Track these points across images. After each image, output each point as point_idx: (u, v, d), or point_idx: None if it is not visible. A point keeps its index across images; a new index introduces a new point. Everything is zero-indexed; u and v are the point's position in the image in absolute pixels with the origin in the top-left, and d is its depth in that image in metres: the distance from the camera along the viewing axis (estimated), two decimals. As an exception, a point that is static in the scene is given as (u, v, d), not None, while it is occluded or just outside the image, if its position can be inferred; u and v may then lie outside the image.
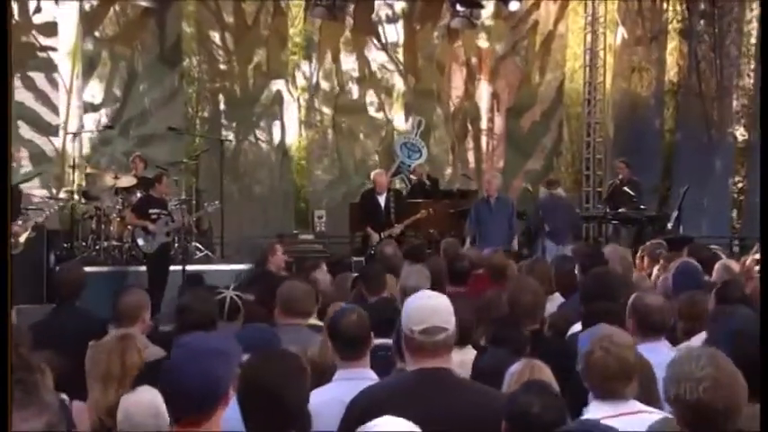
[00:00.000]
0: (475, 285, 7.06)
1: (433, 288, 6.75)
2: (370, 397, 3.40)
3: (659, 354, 4.23)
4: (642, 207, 13.62)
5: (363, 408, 3.35)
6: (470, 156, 17.28)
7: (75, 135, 13.87)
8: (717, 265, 7.02)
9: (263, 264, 8.20)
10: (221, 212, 13.00)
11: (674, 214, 13.46)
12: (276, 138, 16.07)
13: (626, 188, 13.29)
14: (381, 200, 11.80)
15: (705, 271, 6.84)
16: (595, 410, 3.51)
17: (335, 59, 16.40)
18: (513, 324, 4.65)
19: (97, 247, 12.33)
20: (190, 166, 14.20)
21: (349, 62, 16.51)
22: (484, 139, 17.52)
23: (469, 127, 17.26)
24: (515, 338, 4.38)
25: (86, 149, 14.72)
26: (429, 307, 3.36)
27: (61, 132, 14.51)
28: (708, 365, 2.64)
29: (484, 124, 17.46)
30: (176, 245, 12.26)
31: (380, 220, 11.67)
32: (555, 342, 4.81)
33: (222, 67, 15.79)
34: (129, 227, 12.01)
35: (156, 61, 15.21)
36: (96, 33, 14.95)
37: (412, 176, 14.87)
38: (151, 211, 11.37)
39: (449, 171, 16.82)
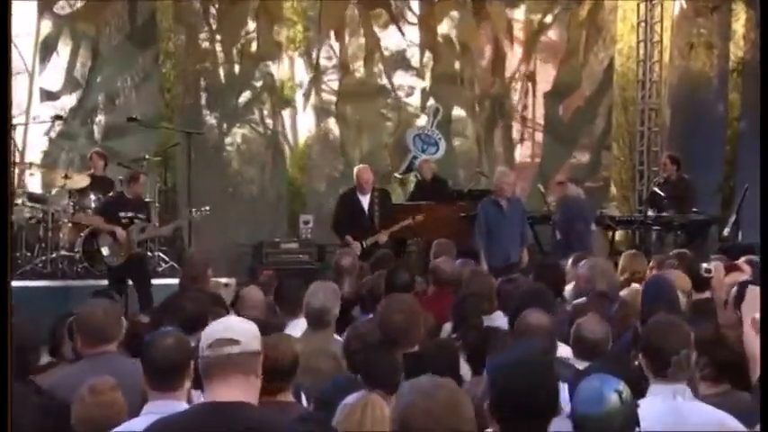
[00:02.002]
0: (428, 303, 7.02)
1: (368, 305, 6.80)
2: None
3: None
4: (695, 210, 13.41)
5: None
6: (500, 149, 17.15)
7: (14, 127, 13.98)
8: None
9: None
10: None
11: (732, 218, 13.23)
12: (267, 129, 16.13)
13: (656, 189, 13.10)
14: (364, 201, 11.58)
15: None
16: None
17: (339, 37, 16.38)
18: (382, 349, 4.67)
19: (43, 258, 12.46)
20: (158, 162, 14.23)
21: (355, 40, 16.51)
22: (517, 130, 17.39)
23: (499, 115, 17.13)
24: (377, 364, 4.39)
25: (43, 144, 14.94)
26: (223, 325, 3.50)
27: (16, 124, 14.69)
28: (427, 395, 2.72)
29: (517, 111, 17.34)
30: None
31: (363, 225, 11.48)
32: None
33: (204, 46, 15.87)
34: (81, 234, 12.12)
35: (126, 40, 15.34)
36: (56, 9, 15.13)
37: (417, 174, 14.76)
38: (122, 214, 11.32)
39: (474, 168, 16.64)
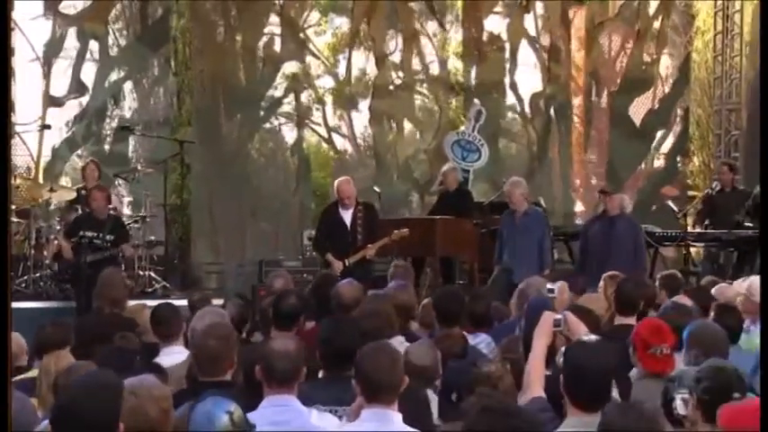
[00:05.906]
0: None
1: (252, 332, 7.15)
2: None
3: (286, 412, 4.57)
4: (748, 225, 13.30)
5: None
6: (556, 155, 17.19)
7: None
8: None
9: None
10: (188, 234, 13.54)
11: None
12: (292, 136, 16.57)
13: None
14: (347, 217, 11.69)
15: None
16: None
17: (372, 34, 16.67)
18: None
19: (26, 278, 13.05)
20: (165, 174, 14.70)
21: (390, 37, 16.78)
22: (577, 134, 17.40)
23: (556, 117, 17.16)
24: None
25: (46, 154, 15.65)
26: None
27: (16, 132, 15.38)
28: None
29: (578, 114, 17.36)
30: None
31: (345, 242, 11.61)
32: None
33: (222, 46, 16.30)
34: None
35: (136, 41, 15.95)
36: (61, 8, 15.80)
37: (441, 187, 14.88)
38: (81, 233, 11.46)
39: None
